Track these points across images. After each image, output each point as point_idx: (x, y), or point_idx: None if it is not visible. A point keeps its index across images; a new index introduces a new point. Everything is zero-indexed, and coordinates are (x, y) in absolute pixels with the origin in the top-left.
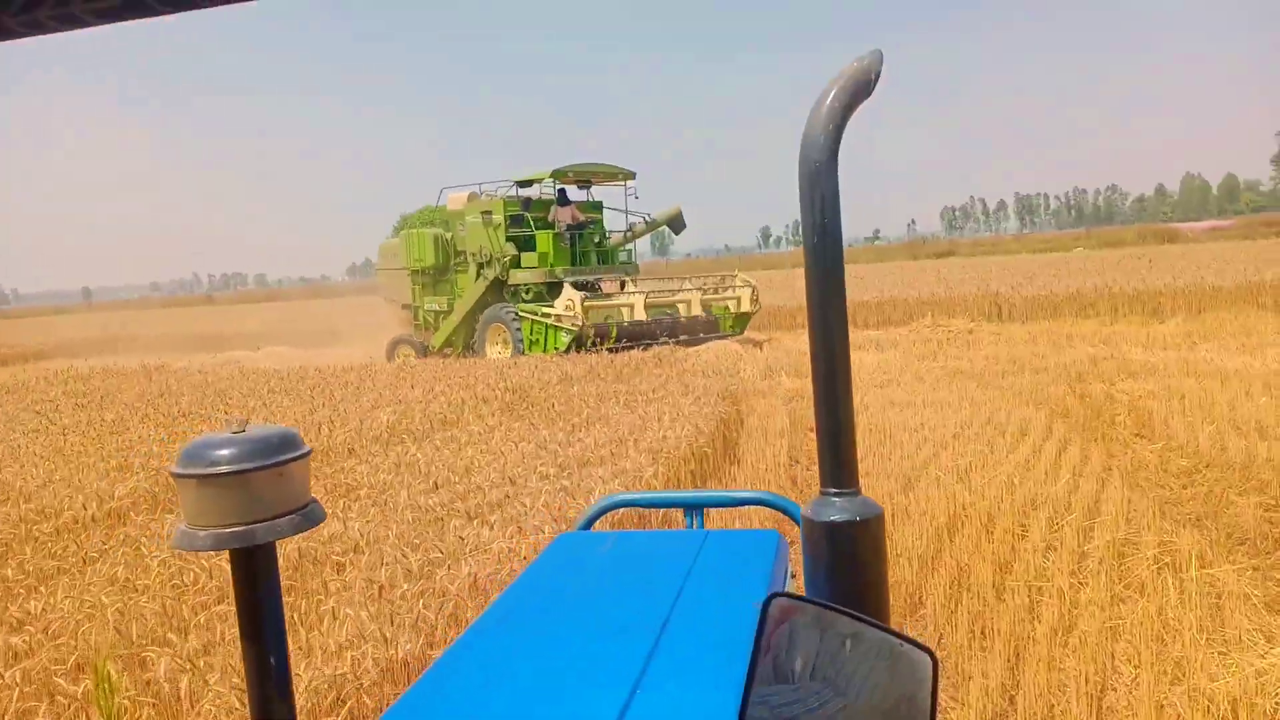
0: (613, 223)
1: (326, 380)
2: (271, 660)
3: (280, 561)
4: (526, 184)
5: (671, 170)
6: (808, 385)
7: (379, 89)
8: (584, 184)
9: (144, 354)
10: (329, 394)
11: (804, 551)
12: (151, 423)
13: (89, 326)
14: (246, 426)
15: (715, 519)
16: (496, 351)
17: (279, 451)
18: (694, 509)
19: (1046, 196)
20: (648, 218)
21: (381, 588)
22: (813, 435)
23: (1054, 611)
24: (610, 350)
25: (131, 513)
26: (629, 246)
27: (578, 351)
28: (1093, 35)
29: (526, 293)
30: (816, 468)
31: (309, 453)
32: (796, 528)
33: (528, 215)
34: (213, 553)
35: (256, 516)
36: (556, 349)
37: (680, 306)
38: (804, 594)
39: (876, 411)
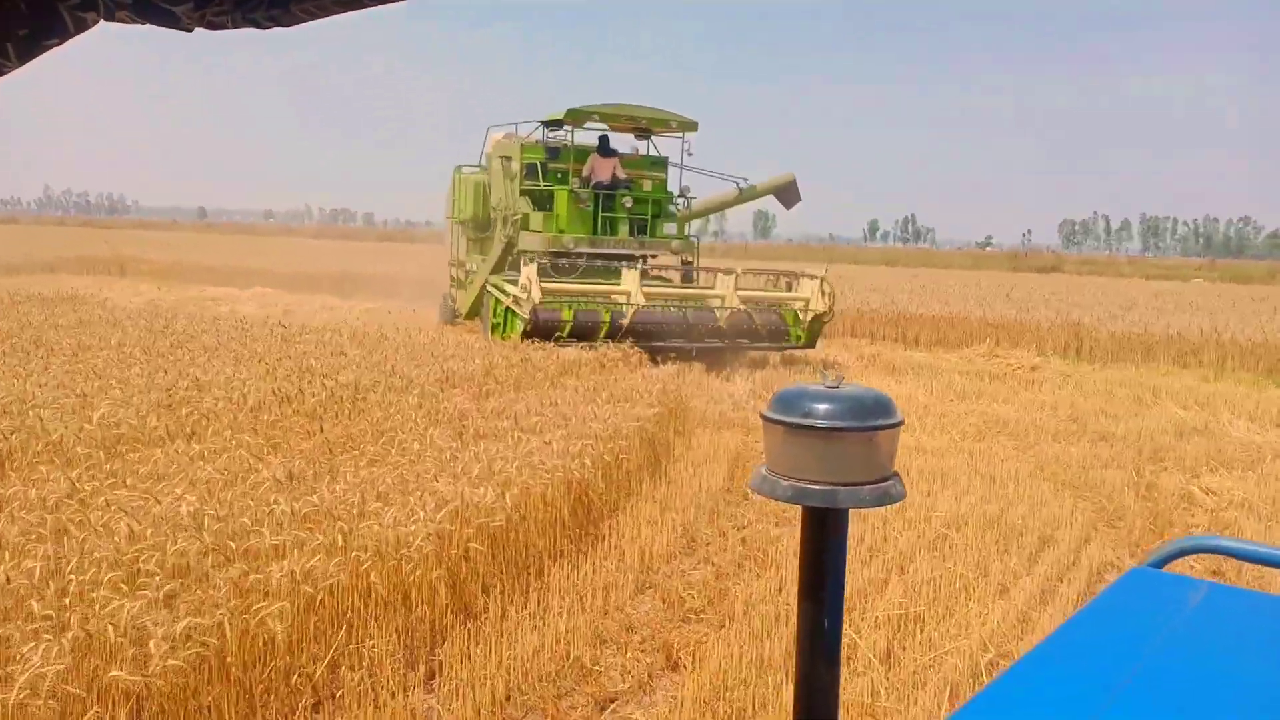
0: (701, 187)
1: (232, 332)
2: (825, 624)
3: None
4: (553, 125)
5: (774, 140)
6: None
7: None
8: (643, 133)
9: (136, 279)
10: (193, 352)
11: None
12: None
13: (142, 244)
14: (840, 383)
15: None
16: None
17: (872, 416)
18: None
19: (1174, 220)
20: (743, 184)
21: None
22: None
23: None
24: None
25: None
26: (685, 218)
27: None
28: (1239, 57)
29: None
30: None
31: (900, 423)
32: None
33: (548, 165)
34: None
35: (840, 478)
36: (509, 336)
37: (713, 302)
38: None
39: None
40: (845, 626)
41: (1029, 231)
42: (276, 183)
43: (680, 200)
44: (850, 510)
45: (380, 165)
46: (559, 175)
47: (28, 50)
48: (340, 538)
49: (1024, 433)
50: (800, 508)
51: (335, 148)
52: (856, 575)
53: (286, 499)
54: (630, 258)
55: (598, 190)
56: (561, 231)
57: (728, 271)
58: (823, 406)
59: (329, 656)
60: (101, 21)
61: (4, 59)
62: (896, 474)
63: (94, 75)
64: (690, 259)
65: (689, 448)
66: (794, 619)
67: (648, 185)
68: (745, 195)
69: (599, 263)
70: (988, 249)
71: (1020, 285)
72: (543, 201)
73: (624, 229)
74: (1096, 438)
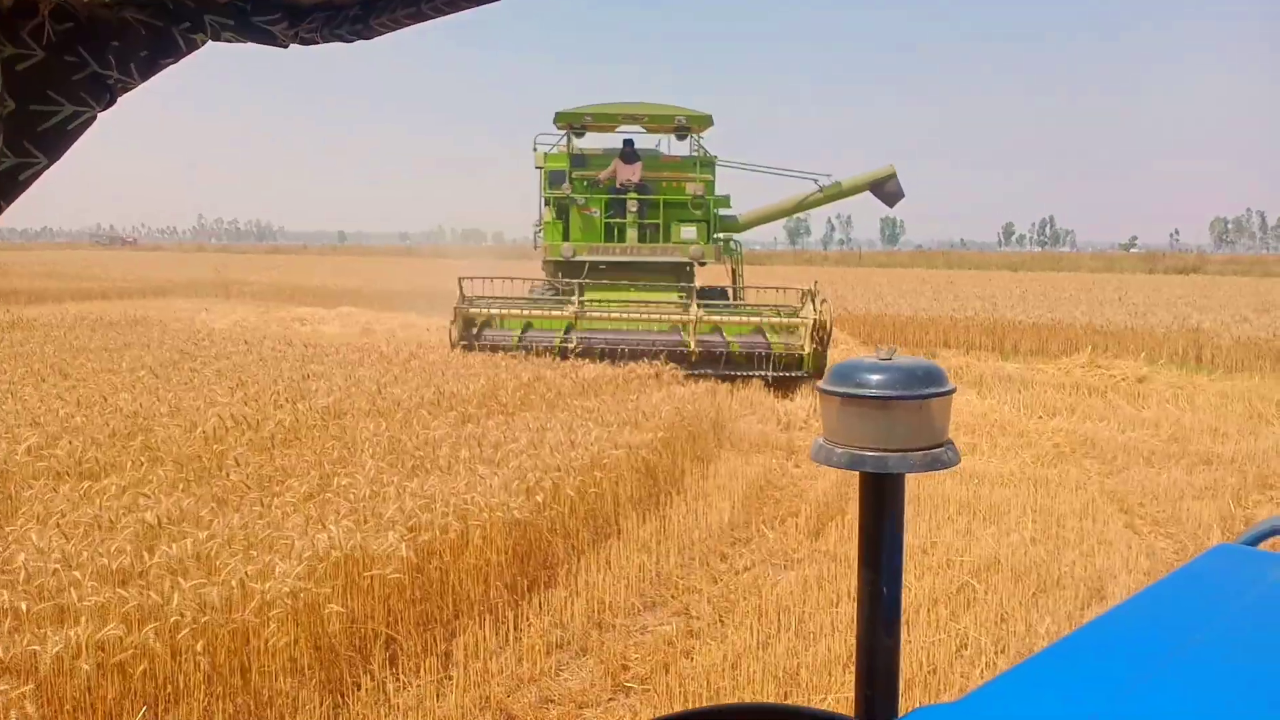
0: (757, 190)
1: (260, 352)
2: (884, 590)
3: None
4: (578, 132)
5: (901, 138)
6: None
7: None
8: (682, 132)
9: (238, 301)
10: (205, 375)
11: None
12: None
13: (261, 268)
14: (894, 355)
15: None
16: None
17: (923, 385)
18: None
19: None
20: (823, 181)
21: None
22: None
23: None
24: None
25: None
26: (744, 224)
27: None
28: None
29: (556, 273)
30: None
31: (953, 390)
32: None
33: (572, 172)
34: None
35: (892, 445)
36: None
37: (651, 324)
38: None
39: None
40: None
41: (1176, 231)
42: (413, 206)
43: (699, 200)
44: (906, 481)
45: (508, 184)
46: (585, 183)
47: (148, 69)
48: (177, 596)
49: (1112, 455)
50: (859, 482)
51: (467, 171)
52: (841, 637)
53: (136, 548)
54: (653, 267)
55: (611, 194)
56: (569, 240)
57: (701, 299)
58: (876, 377)
59: None
60: (209, 42)
61: (129, 77)
62: (950, 441)
63: (247, 107)
64: (735, 267)
65: (704, 476)
66: (745, 693)
67: (695, 189)
68: (829, 194)
69: (609, 270)
70: (1132, 250)
71: (1147, 288)
72: (563, 210)
73: (632, 234)
74: (1197, 461)
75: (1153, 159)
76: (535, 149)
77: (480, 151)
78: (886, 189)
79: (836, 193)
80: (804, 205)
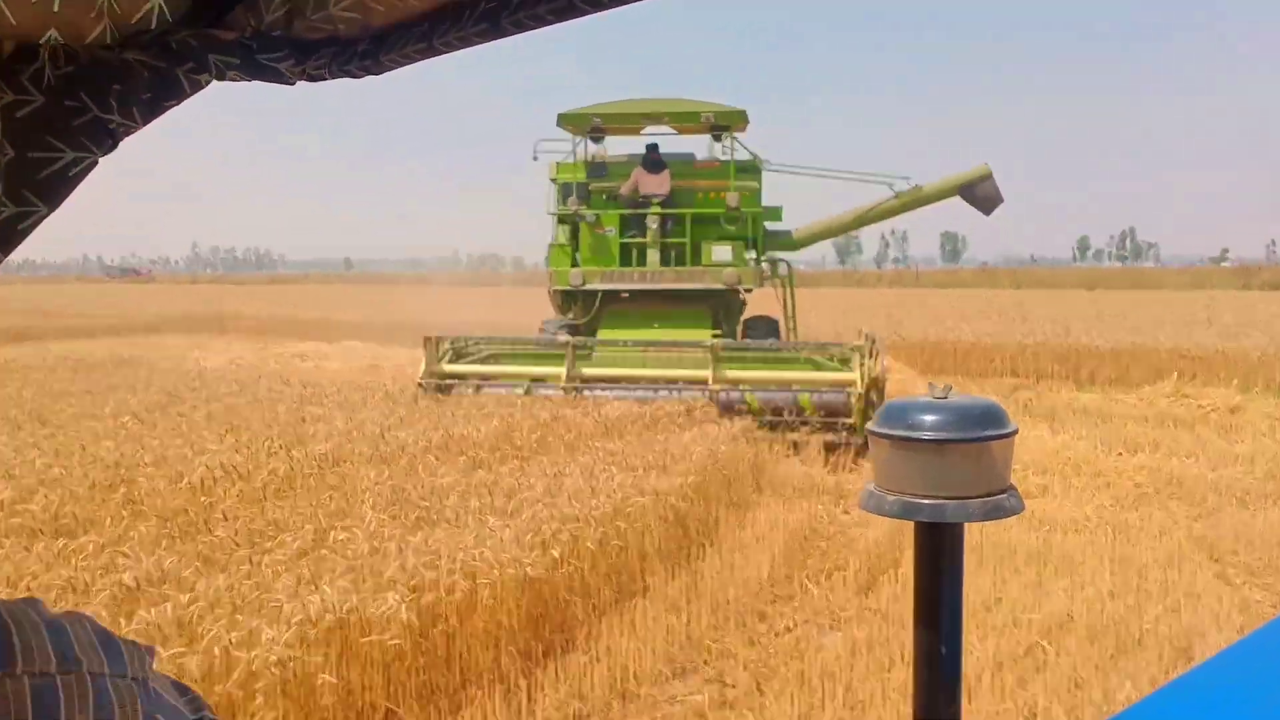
0: (807, 199)
1: (254, 394)
2: (943, 650)
3: None
4: (596, 137)
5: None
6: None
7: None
8: (718, 133)
9: (234, 336)
10: (192, 420)
11: None
12: None
13: (256, 300)
14: (949, 393)
15: None
16: None
17: (982, 426)
18: None
19: None
20: (899, 186)
21: None
22: None
23: None
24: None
25: None
26: (803, 239)
27: None
28: None
29: (565, 306)
30: None
31: (1014, 432)
32: None
33: (590, 184)
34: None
35: (949, 492)
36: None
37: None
38: None
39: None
40: None
41: (1274, 241)
42: (426, 231)
43: (733, 213)
44: (965, 530)
45: (526, 204)
46: (606, 196)
47: (150, 111)
48: None
49: (1201, 496)
50: (913, 528)
51: (483, 193)
52: (894, 706)
53: (113, 614)
54: (682, 296)
55: (629, 209)
56: (576, 265)
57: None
58: (930, 418)
59: None
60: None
61: (131, 121)
62: (1013, 487)
63: (239, 132)
64: (786, 294)
65: (741, 525)
66: None
67: (733, 199)
68: (907, 201)
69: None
70: (1223, 264)
71: (1240, 305)
72: (575, 229)
73: (654, 256)
74: None
75: (1245, 162)
76: (536, 157)
77: (497, 168)
78: (980, 192)
79: (916, 199)
80: (875, 215)
